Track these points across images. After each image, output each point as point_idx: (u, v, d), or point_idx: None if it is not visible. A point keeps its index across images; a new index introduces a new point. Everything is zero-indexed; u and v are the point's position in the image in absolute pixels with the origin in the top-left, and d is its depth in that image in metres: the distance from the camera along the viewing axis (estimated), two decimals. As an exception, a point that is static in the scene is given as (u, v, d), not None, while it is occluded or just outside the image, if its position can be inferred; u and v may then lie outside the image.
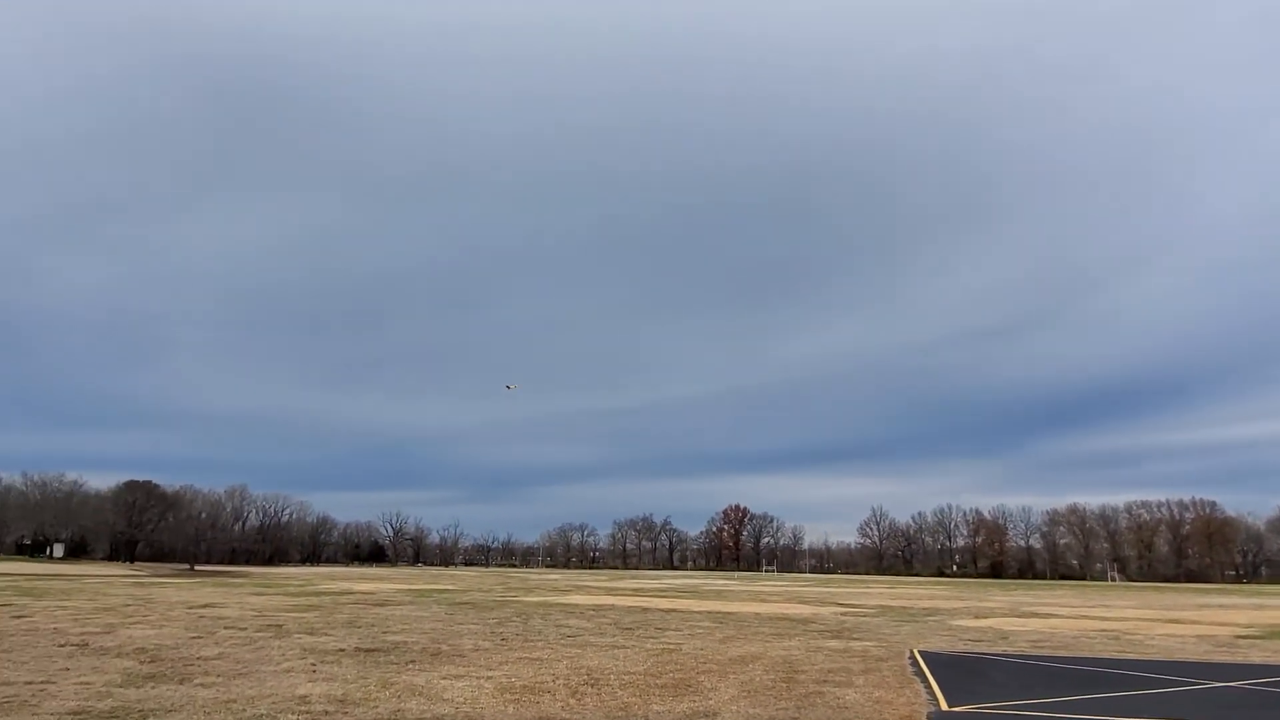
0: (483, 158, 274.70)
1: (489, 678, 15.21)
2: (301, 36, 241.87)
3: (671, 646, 21.38)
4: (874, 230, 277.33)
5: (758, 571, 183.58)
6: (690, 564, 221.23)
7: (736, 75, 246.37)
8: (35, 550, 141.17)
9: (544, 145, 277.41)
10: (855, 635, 26.34)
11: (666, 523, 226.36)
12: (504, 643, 21.77)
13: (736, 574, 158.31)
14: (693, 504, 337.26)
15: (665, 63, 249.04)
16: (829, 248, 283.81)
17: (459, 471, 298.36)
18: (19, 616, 26.90)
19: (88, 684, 13.71)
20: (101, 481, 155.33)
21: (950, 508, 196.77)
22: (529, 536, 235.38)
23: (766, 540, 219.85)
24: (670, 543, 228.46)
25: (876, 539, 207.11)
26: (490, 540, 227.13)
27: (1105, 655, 22.21)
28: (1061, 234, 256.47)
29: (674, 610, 37.00)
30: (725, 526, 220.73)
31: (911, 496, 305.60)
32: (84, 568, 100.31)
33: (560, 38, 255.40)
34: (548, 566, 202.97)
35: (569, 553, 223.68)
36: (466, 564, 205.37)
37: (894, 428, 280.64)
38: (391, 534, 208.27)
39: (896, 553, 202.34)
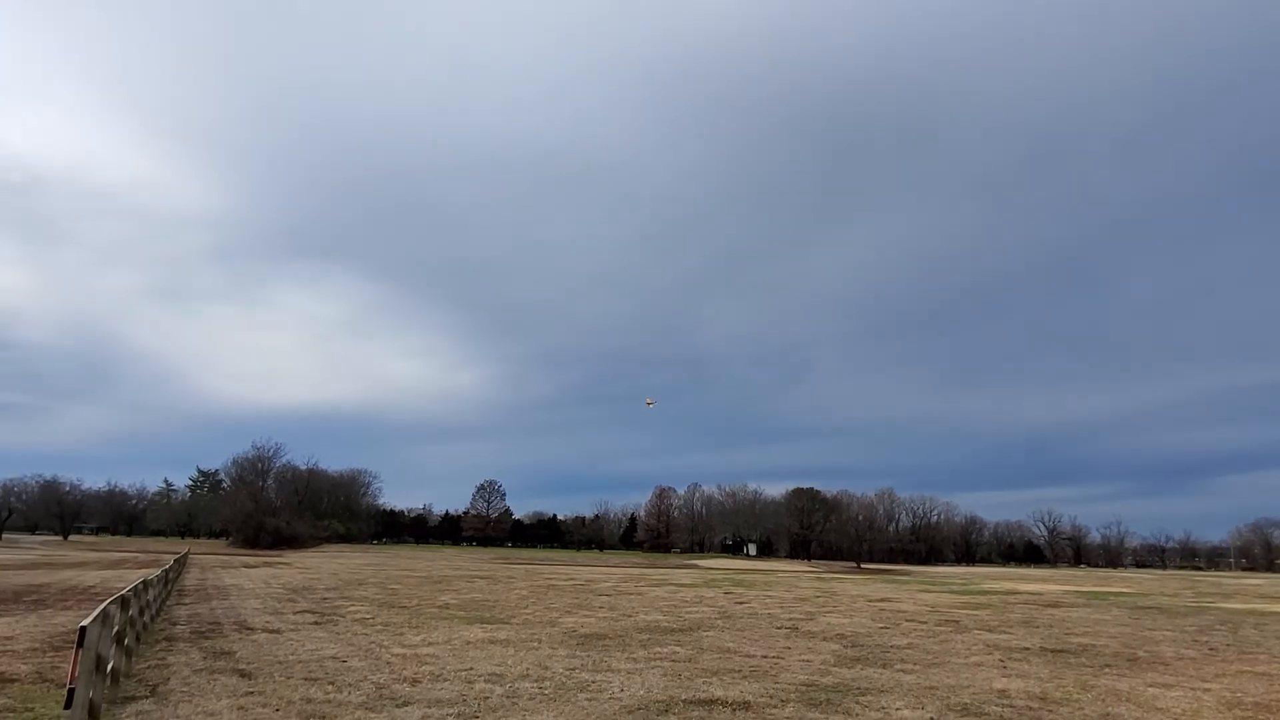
0: (1071, 127, 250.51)
1: (1206, 690, 13.60)
2: (877, 75, 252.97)
3: None
4: None
5: None
6: None
7: None
8: (734, 549, 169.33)
9: (1138, 89, 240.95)
10: None
11: None
12: (1213, 652, 19.18)
13: None
14: None
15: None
16: None
17: (1116, 464, 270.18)
18: (740, 603, 32.60)
19: (808, 661, 16.06)
20: (775, 490, 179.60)
21: None
22: (1213, 534, 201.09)
23: None
24: None
25: None
26: (1163, 539, 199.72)
27: None
28: None
29: None
30: None
31: None
32: (772, 564, 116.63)
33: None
34: (1242, 569, 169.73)
35: (1269, 552, 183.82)
36: (1137, 565, 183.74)
37: None
38: (1046, 533, 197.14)
39: None
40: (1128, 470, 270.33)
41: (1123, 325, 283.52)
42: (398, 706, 10.71)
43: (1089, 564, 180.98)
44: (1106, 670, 15.72)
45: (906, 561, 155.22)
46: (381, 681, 12.49)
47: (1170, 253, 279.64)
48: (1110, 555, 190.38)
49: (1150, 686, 13.80)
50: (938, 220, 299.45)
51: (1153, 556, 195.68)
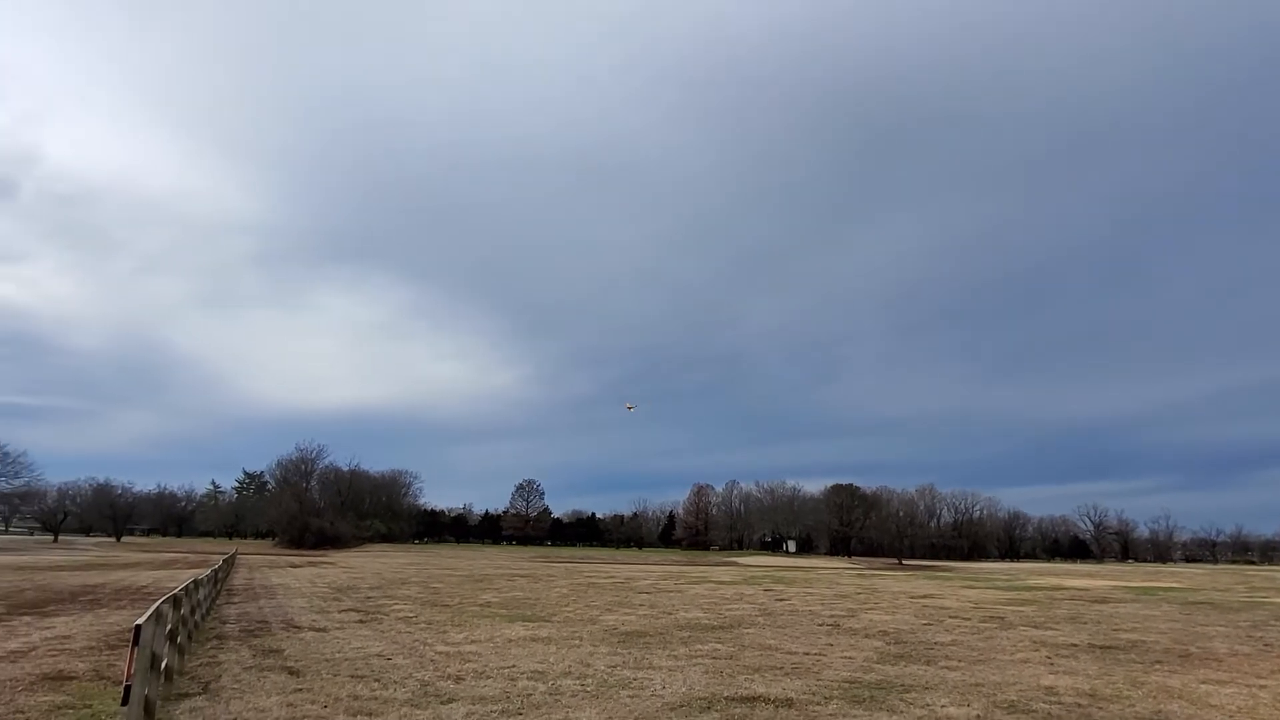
0: (1116, 113, 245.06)
1: (1262, 686, 13.27)
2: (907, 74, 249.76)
3: None
4: None
5: None
6: None
7: None
8: (774, 546, 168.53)
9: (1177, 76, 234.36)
10: None
11: None
12: (1268, 648, 18.71)
13: None
14: None
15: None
16: None
17: (1164, 457, 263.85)
18: (781, 600, 32.44)
19: (850, 658, 15.93)
20: (813, 486, 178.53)
21: None
22: (1266, 528, 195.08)
23: None
24: None
25: None
26: (1213, 533, 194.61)
27: None
28: None
29: None
30: None
31: None
32: (813, 561, 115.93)
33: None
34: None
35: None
36: (1186, 560, 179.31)
37: None
38: (1092, 528, 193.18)
39: None
40: (1176, 463, 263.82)
41: (1167, 316, 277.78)
42: (442, 704, 10.84)
43: (1137, 559, 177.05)
44: (1157, 667, 15.40)
45: (949, 558, 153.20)
46: (426, 679, 12.65)
47: (1215, 243, 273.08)
48: (1159, 550, 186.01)
49: (1203, 683, 13.50)
50: (971, 213, 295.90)
51: (1203, 551, 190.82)
